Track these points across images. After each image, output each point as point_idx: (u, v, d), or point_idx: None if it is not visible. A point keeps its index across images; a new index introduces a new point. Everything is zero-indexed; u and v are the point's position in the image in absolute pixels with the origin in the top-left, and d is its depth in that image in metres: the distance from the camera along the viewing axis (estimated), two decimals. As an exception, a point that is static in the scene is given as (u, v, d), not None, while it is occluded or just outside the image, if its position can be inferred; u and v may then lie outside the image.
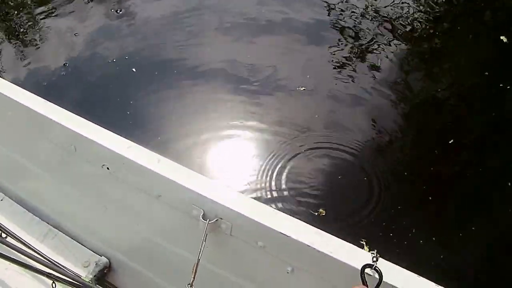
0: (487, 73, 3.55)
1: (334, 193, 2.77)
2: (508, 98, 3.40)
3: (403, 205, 2.73)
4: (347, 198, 2.75)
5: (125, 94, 3.38)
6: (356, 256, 1.17)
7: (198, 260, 1.21)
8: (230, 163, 2.97)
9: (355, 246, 1.20)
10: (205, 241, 1.26)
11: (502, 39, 3.89)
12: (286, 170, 2.89)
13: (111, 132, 1.36)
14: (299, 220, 1.24)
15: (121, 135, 1.36)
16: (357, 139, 3.05)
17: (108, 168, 1.38)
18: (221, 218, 1.25)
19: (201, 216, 1.26)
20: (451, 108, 3.35)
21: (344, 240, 1.21)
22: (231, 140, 3.09)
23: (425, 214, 2.72)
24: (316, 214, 2.65)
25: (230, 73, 3.53)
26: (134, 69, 3.57)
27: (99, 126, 1.38)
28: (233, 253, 1.32)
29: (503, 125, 3.22)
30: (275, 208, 1.27)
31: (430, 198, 2.76)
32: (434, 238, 2.56)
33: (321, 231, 1.22)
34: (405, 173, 2.92)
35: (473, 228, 2.61)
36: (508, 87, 3.45)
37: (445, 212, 2.72)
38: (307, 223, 1.24)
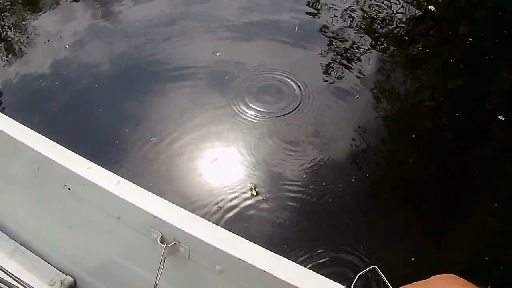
0: (469, 76, 3.56)
1: (310, 197, 2.76)
2: (490, 99, 3.42)
3: (383, 209, 2.73)
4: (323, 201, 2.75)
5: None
6: (316, 284, 1.15)
7: (156, 285, 1.20)
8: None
9: (315, 273, 1.18)
10: (163, 264, 1.25)
11: (429, 8, 3.95)
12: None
13: (73, 153, 1.36)
14: (258, 246, 1.23)
15: (82, 156, 1.35)
16: (337, 143, 3.05)
17: (69, 189, 1.37)
18: (179, 242, 1.24)
19: (159, 240, 1.25)
20: (434, 112, 3.35)
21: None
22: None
23: (404, 219, 2.71)
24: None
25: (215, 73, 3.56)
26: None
27: (61, 146, 1.38)
28: (192, 276, 1.31)
29: (487, 126, 3.23)
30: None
31: (410, 203, 2.77)
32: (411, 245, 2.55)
33: (281, 257, 1.21)
34: (386, 177, 2.91)
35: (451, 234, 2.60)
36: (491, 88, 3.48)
37: (425, 217, 2.72)
38: (267, 249, 1.23)
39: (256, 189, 2.78)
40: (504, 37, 3.93)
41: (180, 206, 1.27)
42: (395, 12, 4.20)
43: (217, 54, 3.69)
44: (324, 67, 3.62)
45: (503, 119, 3.21)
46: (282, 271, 1.16)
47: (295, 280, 1.15)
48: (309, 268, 1.19)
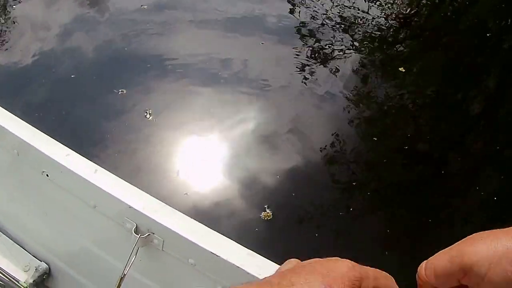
0: (447, 81, 3.60)
1: (283, 198, 2.78)
2: (468, 105, 3.46)
3: (358, 212, 2.75)
4: (297, 205, 2.76)
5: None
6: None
7: (124, 274, 1.21)
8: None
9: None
10: (135, 255, 1.25)
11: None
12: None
13: (52, 139, 1.36)
14: (232, 240, 1.23)
15: (62, 142, 1.35)
16: (312, 143, 3.06)
17: (47, 175, 1.37)
18: (153, 233, 1.25)
19: (133, 230, 1.25)
20: (411, 115, 3.38)
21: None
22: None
23: (378, 223, 2.73)
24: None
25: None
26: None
27: (41, 132, 1.38)
28: (165, 268, 1.32)
29: (464, 132, 3.27)
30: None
31: (383, 207, 2.79)
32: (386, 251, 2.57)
33: (254, 253, 1.21)
34: (362, 180, 2.93)
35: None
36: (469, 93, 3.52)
37: (401, 221, 2.74)
38: (240, 244, 1.23)
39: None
40: (486, 46, 3.99)
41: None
42: (378, 17, 4.24)
43: (144, 6, 3.82)
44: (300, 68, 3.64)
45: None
46: (254, 267, 1.16)
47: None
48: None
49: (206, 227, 1.24)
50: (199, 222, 1.25)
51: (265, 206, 2.66)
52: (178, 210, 1.25)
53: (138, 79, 3.39)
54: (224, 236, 1.24)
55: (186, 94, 3.34)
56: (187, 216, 1.26)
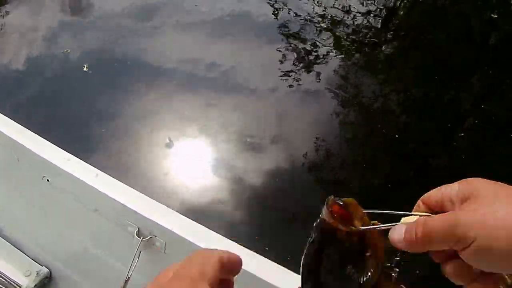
0: (432, 81, 3.63)
1: (272, 203, 2.80)
2: (452, 105, 3.50)
3: None
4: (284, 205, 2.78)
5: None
6: (288, 279, 1.18)
7: (128, 278, 1.22)
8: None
9: (289, 270, 1.21)
10: (138, 257, 1.27)
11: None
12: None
13: (52, 144, 1.37)
14: (232, 241, 1.26)
15: (62, 148, 1.36)
16: (299, 146, 3.08)
17: (48, 180, 1.38)
18: (155, 236, 1.26)
19: (135, 233, 1.26)
20: (396, 114, 3.41)
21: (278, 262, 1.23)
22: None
23: None
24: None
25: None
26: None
27: (40, 138, 1.39)
28: (167, 270, 1.33)
29: (450, 129, 3.30)
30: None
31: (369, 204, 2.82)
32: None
33: (254, 253, 1.24)
34: (347, 180, 2.96)
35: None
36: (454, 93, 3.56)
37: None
38: (241, 244, 1.25)
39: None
40: (471, 43, 4.02)
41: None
42: (360, 17, 4.27)
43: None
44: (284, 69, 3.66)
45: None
46: (254, 266, 1.19)
47: (267, 275, 1.18)
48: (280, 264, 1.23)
49: (207, 229, 1.26)
50: (198, 223, 1.27)
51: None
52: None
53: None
54: (224, 237, 1.26)
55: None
56: (188, 218, 1.28)
